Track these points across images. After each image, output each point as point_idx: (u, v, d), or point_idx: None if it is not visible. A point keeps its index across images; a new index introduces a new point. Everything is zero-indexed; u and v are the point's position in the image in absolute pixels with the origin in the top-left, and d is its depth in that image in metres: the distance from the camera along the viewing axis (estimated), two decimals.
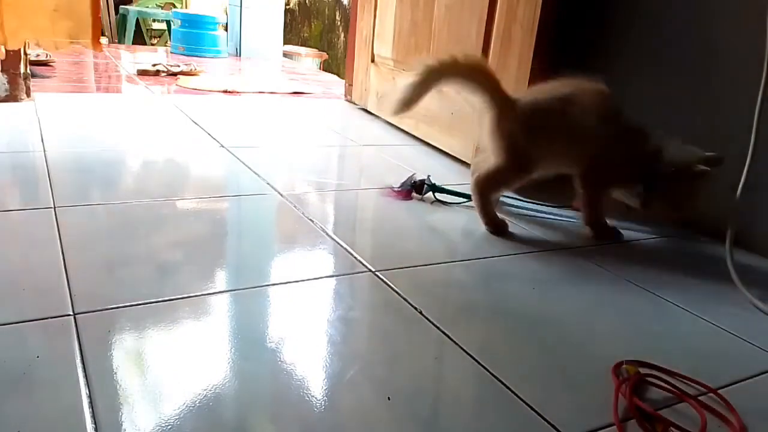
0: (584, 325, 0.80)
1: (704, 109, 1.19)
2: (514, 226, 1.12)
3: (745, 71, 1.09)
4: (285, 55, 3.74)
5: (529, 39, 1.27)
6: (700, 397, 0.65)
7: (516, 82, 1.30)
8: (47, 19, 1.53)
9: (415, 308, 0.78)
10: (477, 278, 0.93)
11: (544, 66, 1.26)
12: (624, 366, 0.68)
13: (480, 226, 1.09)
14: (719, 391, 0.66)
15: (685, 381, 0.68)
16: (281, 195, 1.17)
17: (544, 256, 1.02)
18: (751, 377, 0.72)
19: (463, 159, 1.49)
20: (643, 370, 0.68)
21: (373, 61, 2.00)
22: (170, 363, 0.63)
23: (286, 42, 3.84)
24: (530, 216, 1.21)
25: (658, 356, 0.72)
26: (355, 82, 2.15)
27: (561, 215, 1.22)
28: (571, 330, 0.78)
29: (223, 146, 1.46)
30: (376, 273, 0.87)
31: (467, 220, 1.16)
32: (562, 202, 1.27)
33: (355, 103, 2.15)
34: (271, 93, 2.32)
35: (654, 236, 1.18)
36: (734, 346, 0.79)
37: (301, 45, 4.43)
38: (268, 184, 1.22)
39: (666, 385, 0.66)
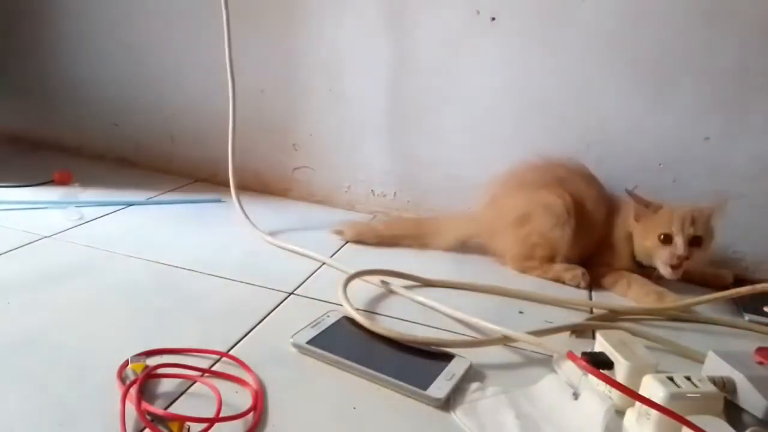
0: (84, 327, 0.67)
1: None
2: None
3: None
4: None
5: None
6: (215, 367, 0.62)
7: None
8: None
9: None
10: None
11: None
12: (129, 366, 0.59)
13: None
14: (231, 353, 0.65)
15: (198, 355, 0.64)
16: None
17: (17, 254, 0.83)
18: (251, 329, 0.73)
19: None
20: (152, 362, 0.61)
21: None
22: None
23: None
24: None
25: (167, 336, 0.66)
26: None
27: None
28: (66, 339, 0.65)
29: None
30: None
31: None
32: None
33: None
34: None
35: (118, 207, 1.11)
36: (236, 306, 0.80)
37: None
38: None
39: (177, 371, 0.60)
